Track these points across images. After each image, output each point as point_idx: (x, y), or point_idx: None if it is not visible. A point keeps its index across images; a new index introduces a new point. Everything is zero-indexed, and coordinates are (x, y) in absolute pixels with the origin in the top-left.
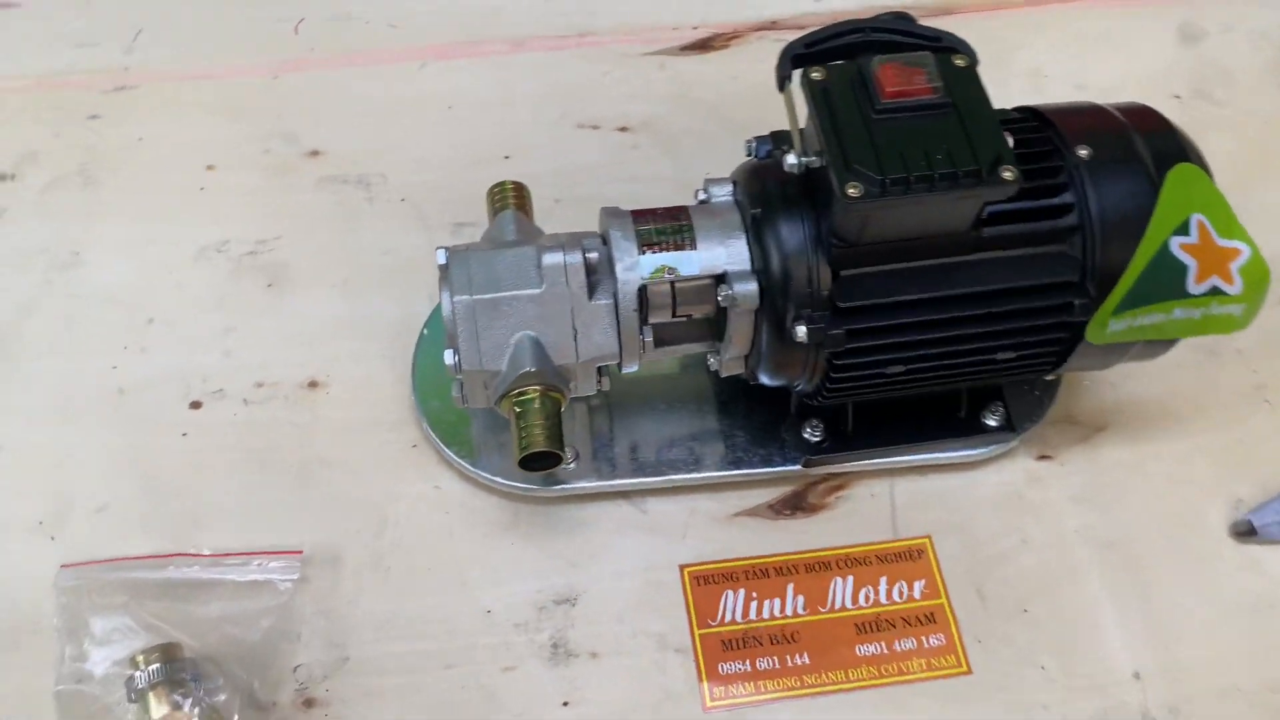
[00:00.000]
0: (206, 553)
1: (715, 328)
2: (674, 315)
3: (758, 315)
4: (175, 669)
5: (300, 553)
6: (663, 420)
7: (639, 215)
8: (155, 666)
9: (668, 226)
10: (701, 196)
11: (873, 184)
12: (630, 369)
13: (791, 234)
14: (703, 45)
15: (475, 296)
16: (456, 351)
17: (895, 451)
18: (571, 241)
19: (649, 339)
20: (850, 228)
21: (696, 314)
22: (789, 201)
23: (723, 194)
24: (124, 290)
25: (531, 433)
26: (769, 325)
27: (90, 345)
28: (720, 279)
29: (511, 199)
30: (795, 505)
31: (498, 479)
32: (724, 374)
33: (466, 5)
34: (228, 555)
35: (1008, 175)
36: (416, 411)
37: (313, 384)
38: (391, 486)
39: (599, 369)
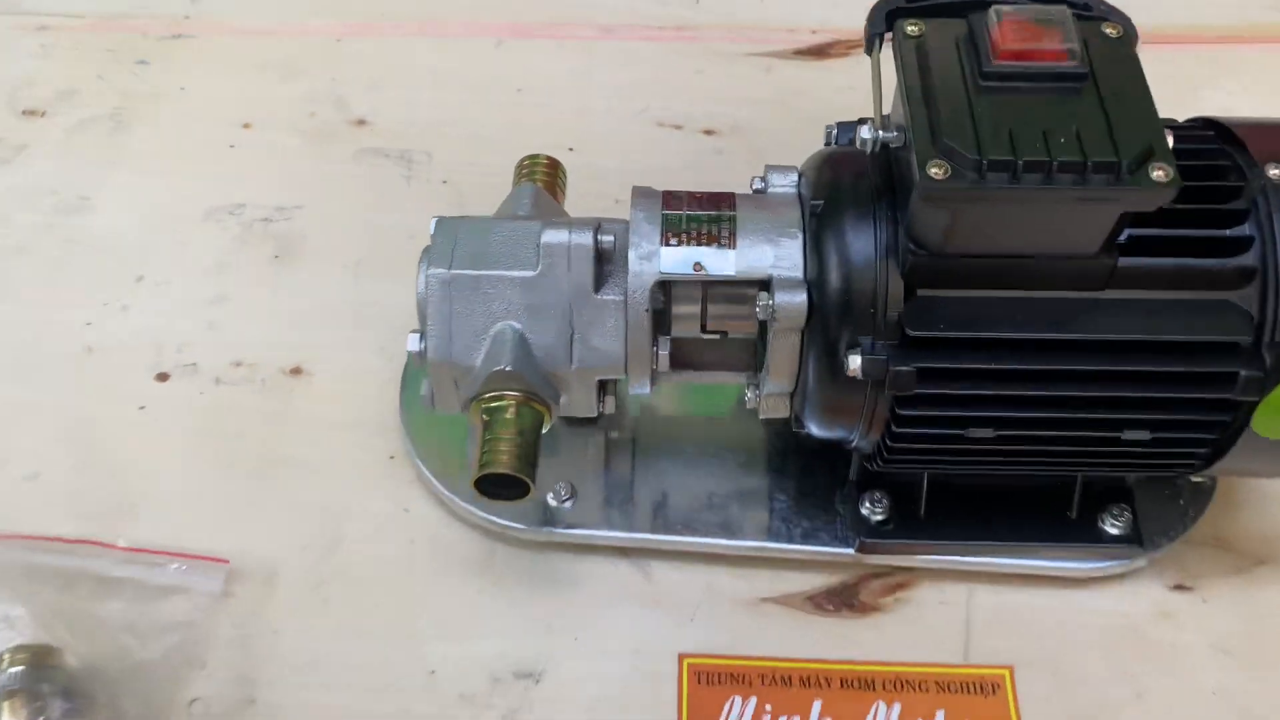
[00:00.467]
0: (121, 545)
1: (755, 353)
2: (703, 329)
3: (804, 338)
4: (41, 677)
5: (227, 562)
6: (695, 469)
7: (671, 197)
8: (19, 670)
9: (704, 215)
10: (758, 185)
11: (965, 165)
12: (640, 390)
13: (858, 236)
14: (819, 51)
15: (454, 270)
16: (424, 337)
17: (978, 549)
18: (584, 222)
19: (664, 352)
20: (931, 228)
21: (731, 331)
22: (861, 196)
23: (784, 184)
24: (121, 242)
25: (495, 449)
26: (817, 352)
27: (70, 296)
28: (763, 286)
29: (541, 174)
30: (841, 600)
31: (475, 509)
32: (763, 415)
33: None
34: (144, 551)
35: (1160, 177)
36: (400, 417)
37: (295, 371)
38: (355, 500)
39: (600, 385)
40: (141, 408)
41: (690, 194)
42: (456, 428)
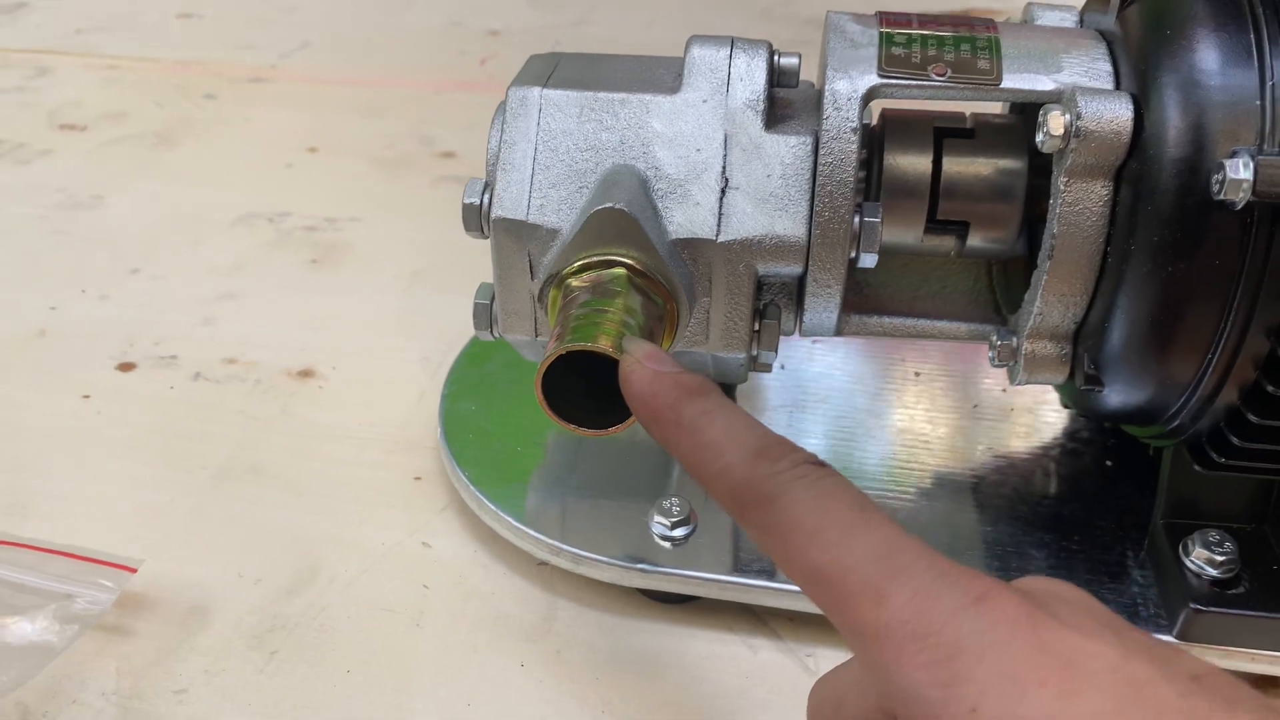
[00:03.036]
0: None
1: (1008, 271)
2: (933, 208)
3: (1120, 189)
4: None
5: (133, 571)
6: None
7: (891, 17)
8: None
9: (946, 37)
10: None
11: None
12: (822, 322)
13: (1216, 14)
14: None
15: (549, 90)
16: (489, 186)
17: None
18: (753, 40)
19: (872, 220)
20: None
21: (978, 227)
22: None
23: (1061, 18)
24: (122, 237)
25: (589, 320)
26: (1149, 191)
27: (41, 281)
28: (1047, 105)
29: None
30: None
31: (551, 539)
32: (1020, 378)
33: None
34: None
35: None
36: (439, 423)
37: (305, 373)
38: (350, 527)
39: (759, 289)
40: (86, 396)
41: (922, 16)
42: (511, 438)
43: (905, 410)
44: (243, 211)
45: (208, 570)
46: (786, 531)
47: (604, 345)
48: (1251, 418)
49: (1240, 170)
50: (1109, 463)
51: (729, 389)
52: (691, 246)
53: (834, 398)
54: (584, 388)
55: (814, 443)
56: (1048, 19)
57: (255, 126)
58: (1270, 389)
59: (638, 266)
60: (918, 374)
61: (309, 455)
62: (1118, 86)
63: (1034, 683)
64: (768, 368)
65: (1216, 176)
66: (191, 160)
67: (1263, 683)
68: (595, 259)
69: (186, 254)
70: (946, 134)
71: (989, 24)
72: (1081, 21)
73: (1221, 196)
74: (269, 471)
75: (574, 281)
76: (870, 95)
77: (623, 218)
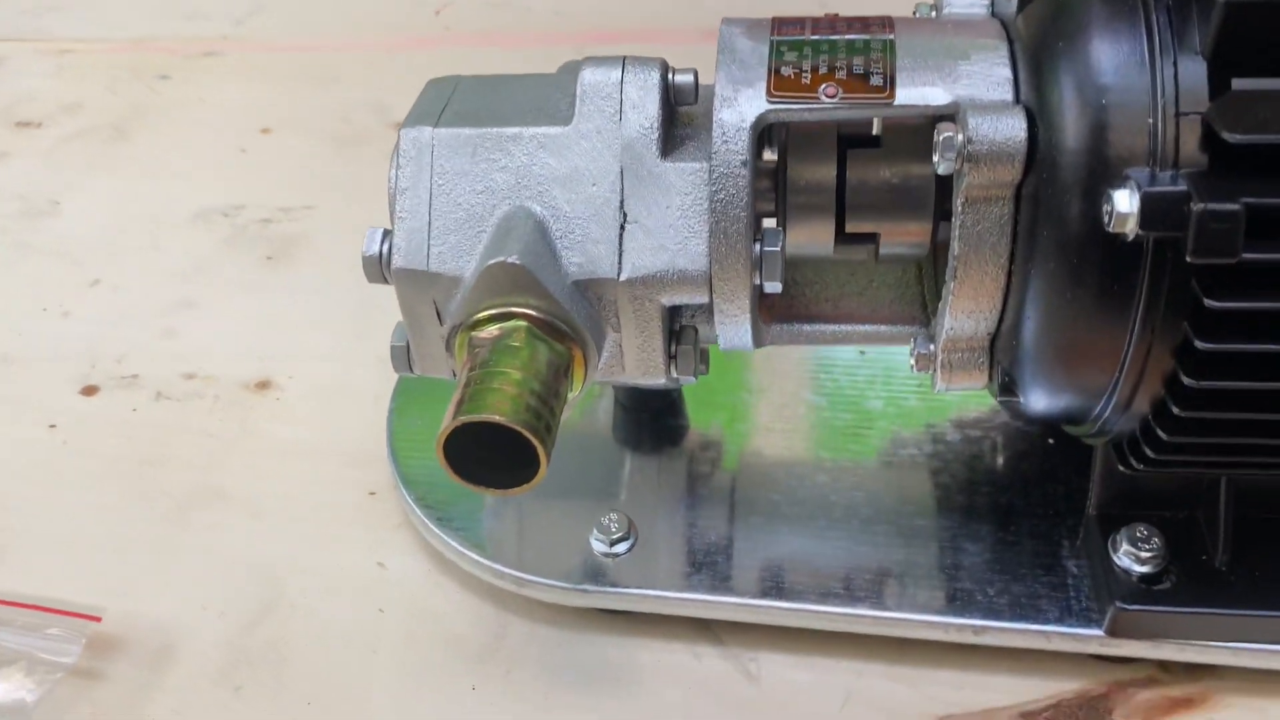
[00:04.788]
0: None
1: (922, 284)
2: (840, 221)
3: (1019, 204)
4: None
5: (97, 620)
6: (832, 539)
7: (785, 23)
8: None
9: (839, 40)
10: (927, 14)
11: None
12: (736, 340)
13: (1111, 21)
14: None
15: (440, 129)
16: (388, 233)
17: None
18: (645, 60)
19: (773, 250)
20: None
21: (888, 238)
22: None
23: (972, 2)
24: (82, 246)
25: (486, 386)
26: (1048, 220)
27: (3, 301)
28: (945, 119)
29: None
30: None
31: (481, 558)
32: (942, 384)
33: None
34: None
35: None
36: (386, 436)
37: (262, 385)
38: (309, 550)
39: (671, 330)
40: (52, 426)
41: (816, 19)
42: None
43: (849, 393)
44: (198, 206)
45: (173, 605)
46: None
47: (499, 417)
48: (1160, 433)
49: (1127, 203)
50: (1051, 440)
51: (673, 391)
52: (594, 286)
53: (778, 383)
54: (490, 444)
55: (754, 430)
56: (956, 5)
57: (208, 108)
58: (1175, 410)
59: (537, 316)
60: (862, 352)
61: (268, 474)
62: (1017, 95)
63: None
64: (691, 381)
65: (1106, 208)
66: (147, 151)
67: (1195, 670)
68: (494, 311)
69: (145, 258)
70: (851, 143)
71: (886, 23)
72: (994, 5)
73: (1111, 229)
74: (230, 494)
75: (476, 334)
76: (760, 123)
77: (517, 270)
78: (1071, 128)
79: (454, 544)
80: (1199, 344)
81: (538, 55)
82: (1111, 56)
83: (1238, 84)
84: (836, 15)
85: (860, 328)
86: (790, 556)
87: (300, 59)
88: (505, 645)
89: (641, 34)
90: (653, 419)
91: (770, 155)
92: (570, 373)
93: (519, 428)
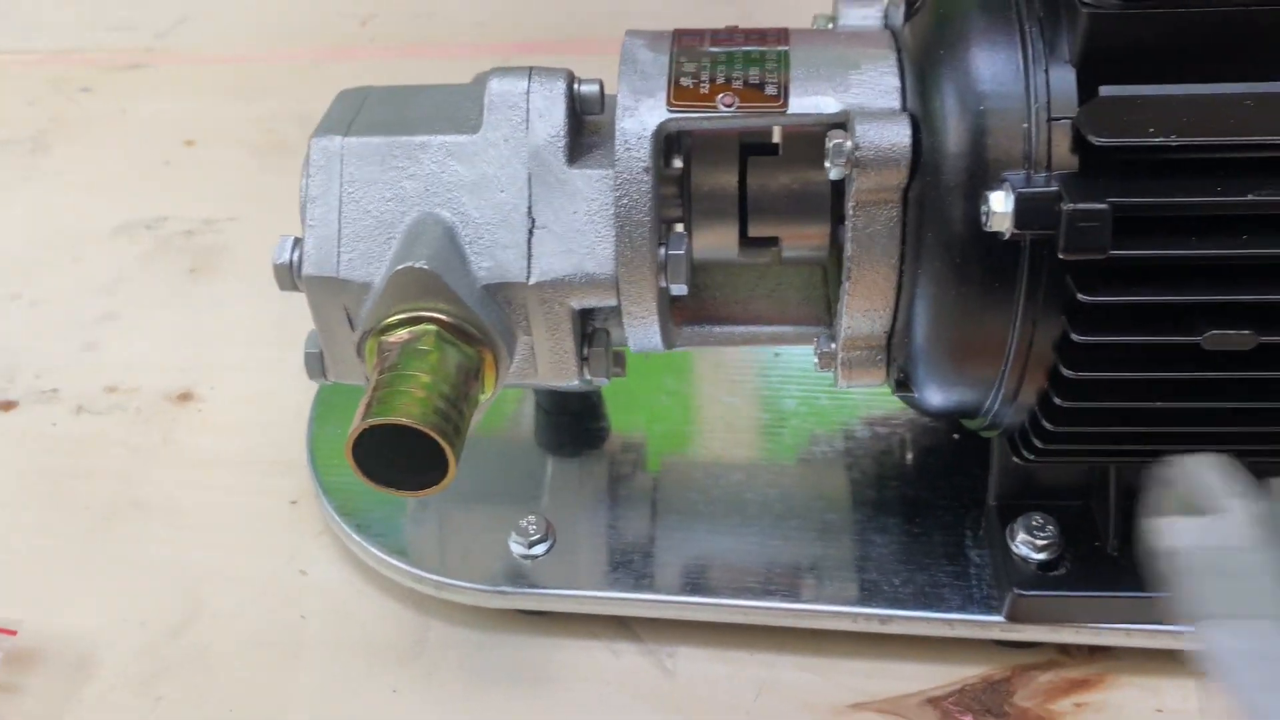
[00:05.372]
0: None
1: (825, 284)
2: (743, 225)
3: (907, 209)
4: None
5: (12, 634)
6: (747, 536)
7: (686, 35)
8: None
9: (737, 52)
10: (824, 26)
11: None
12: (646, 341)
13: (986, 15)
14: None
15: (350, 138)
16: (299, 241)
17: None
18: (551, 71)
19: (677, 253)
20: None
21: (789, 242)
22: None
23: (865, 14)
24: (2, 260)
25: (394, 389)
26: (933, 223)
27: None
28: (836, 127)
29: None
30: (983, 707)
31: (399, 563)
32: (844, 381)
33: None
34: None
35: None
36: (306, 444)
37: (184, 396)
38: (230, 558)
39: (584, 331)
40: None
41: (715, 31)
42: None
43: (765, 394)
44: (121, 219)
45: (94, 616)
46: None
47: (406, 419)
48: (1046, 424)
49: (1003, 204)
50: (956, 435)
51: (593, 394)
52: (504, 290)
53: (698, 385)
54: (399, 446)
55: (674, 432)
56: (850, 17)
57: (132, 121)
58: (1058, 400)
59: (446, 320)
60: (777, 354)
61: (189, 485)
62: (904, 103)
63: None
64: (604, 383)
65: (984, 209)
66: (69, 165)
67: (1094, 653)
68: (403, 316)
69: (67, 272)
70: (753, 150)
71: (781, 35)
72: (886, 18)
73: (989, 229)
74: (151, 506)
75: (386, 338)
76: (661, 131)
77: (425, 275)
78: (953, 133)
79: (374, 550)
80: (1075, 337)
81: (462, 66)
82: (989, 65)
83: (1105, 90)
84: (736, 28)
85: (769, 329)
86: (708, 554)
87: (226, 70)
88: (427, 649)
89: (565, 45)
90: (573, 422)
91: (678, 163)
92: (481, 376)
93: (426, 429)
